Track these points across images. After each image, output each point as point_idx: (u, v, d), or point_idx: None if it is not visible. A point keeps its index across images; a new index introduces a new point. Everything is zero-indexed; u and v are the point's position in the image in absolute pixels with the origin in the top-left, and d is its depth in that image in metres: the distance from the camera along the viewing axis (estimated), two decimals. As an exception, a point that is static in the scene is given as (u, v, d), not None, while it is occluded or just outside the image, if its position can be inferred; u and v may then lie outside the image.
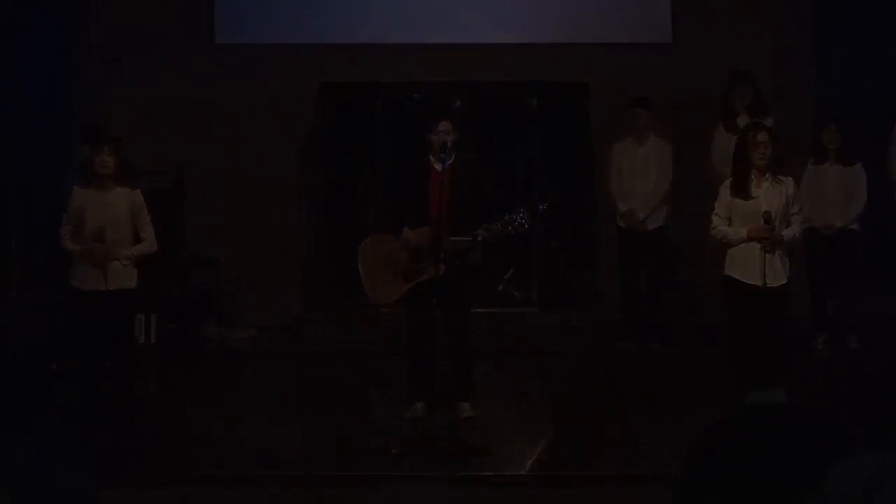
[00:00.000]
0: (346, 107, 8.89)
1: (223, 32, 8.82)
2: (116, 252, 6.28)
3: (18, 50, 8.31)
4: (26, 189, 7.95)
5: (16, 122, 8.22)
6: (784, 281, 6.19)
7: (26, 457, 3.42)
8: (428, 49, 8.71)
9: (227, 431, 6.21)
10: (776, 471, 3.05)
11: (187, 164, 8.27)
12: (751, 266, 6.16)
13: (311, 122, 8.68)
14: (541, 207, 6.31)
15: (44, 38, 8.35)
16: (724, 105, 7.80)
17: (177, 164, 8.26)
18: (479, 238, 6.11)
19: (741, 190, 6.20)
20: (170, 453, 5.85)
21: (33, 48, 8.32)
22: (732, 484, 3.08)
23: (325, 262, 8.73)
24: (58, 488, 3.43)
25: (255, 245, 8.51)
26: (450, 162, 6.28)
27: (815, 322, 7.71)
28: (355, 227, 8.35)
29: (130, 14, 8.68)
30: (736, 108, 7.73)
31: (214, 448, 5.97)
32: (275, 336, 7.93)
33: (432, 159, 6.31)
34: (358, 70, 8.76)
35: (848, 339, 7.64)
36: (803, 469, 2.99)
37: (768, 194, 6.17)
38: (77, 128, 8.15)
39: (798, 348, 7.10)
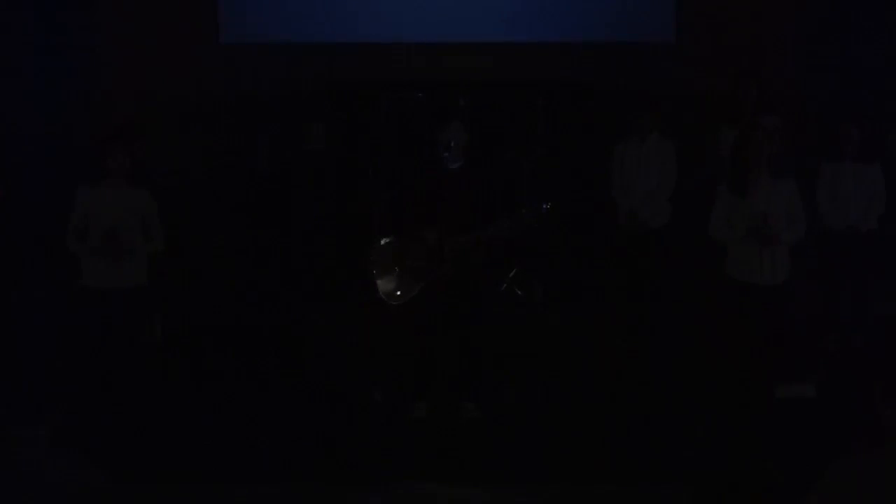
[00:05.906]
0: (350, 106, 8.91)
1: (227, 33, 8.84)
2: (127, 250, 6.34)
3: (20, 49, 8.33)
4: (29, 188, 7.97)
5: (18, 121, 8.24)
6: (782, 280, 6.20)
7: (33, 455, 3.45)
8: (431, 48, 8.72)
9: (227, 430, 6.25)
10: None
11: (191, 164, 8.30)
12: (749, 265, 6.18)
13: (315, 122, 8.69)
14: (544, 207, 6.33)
15: (46, 37, 8.37)
16: (731, 103, 7.77)
17: (181, 163, 8.28)
18: (488, 238, 6.17)
19: (739, 188, 6.21)
20: (172, 452, 5.88)
21: (36, 47, 8.35)
22: None
23: (328, 260, 8.74)
24: (64, 486, 3.46)
25: (259, 244, 8.53)
26: (461, 162, 6.36)
27: (828, 322, 7.64)
28: (359, 226, 8.35)
29: (134, 14, 8.70)
30: (743, 106, 7.70)
31: (215, 446, 6.00)
32: (278, 334, 7.93)
33: (443, 159, 6.38)
34: (362, 69, 8.78)
35: (857, 339, 7.57)
36: None
37: (767, 193, 6.17)
38: (88, 127, 8.18)
39: (809, 347, 7.13)
